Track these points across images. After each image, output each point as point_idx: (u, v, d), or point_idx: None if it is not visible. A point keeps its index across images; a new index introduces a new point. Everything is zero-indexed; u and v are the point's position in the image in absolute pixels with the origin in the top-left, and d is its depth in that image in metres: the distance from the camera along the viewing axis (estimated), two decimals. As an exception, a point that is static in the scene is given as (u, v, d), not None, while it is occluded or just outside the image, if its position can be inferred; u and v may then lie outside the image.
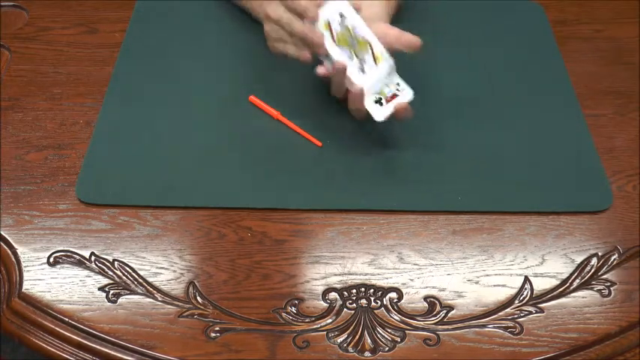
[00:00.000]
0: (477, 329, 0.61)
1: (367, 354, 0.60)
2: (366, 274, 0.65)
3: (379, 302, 0.63)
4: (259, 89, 0.78)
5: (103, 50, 0.85)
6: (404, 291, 0.64)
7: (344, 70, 0.69)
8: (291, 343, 0.60)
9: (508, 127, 0.77)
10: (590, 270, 0.66)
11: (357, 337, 0.61)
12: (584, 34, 0.89)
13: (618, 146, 0.76)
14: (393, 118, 0.70)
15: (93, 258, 0.65)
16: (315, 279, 0.64)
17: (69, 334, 0.61)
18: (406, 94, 0.71)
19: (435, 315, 0.62)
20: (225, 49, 0.84)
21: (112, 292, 0.63)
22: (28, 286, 0.64)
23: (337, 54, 0.70)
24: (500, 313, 0.62)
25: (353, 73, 0.70)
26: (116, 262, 0.65)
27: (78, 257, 0.66)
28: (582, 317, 0.62)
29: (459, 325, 0.62)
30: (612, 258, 0.67)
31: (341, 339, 0.61)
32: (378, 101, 0.70)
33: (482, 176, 0.72)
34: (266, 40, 0.74)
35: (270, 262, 0.65)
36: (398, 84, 0.71)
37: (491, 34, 0.87)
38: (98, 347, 0.60)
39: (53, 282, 0.64)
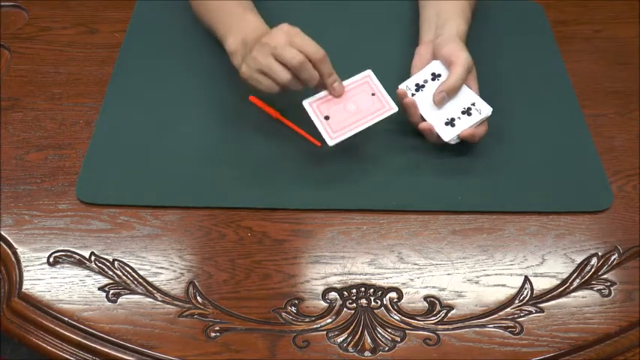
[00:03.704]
0: (477, 329, 0.61)
1: (367, 354, 0.60)
2: (366, 274, 0.65)
3: (379, 302, 0.63)
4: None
5: (103, 50, 0.85)
6: (404, 291, 0.64)
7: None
8: (291, 343, 0.60)
9: (508, 127, 0.77)
10: (590, 270, 0.66)
11: (357, 336, 0.61)
12: (584, 34, 0.89)
13: (618, 146, 0.76)
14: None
15: (93, 258, 0.65)
16: (315, 279, 0.64)
17: (69, 334, 0.61)
18: (484, 111, 0.71)
19: (435, 315, 0.62)
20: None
21: (111, 291, 0.63)
22: (28, 286, 0.64)
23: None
24: (500, 313, 0.62)
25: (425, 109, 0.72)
26: (116, 262, 0.65)
27: (78, 257, 0.66)
28: (582, 317, 0.62)
29: (459, 324, 0.62)
30: (612, 258, 0.67)
31: (341, 339, 0.61)
32: (450, 122, 0.71)
33: (483, 176, 0.72)
34: (241, 74, 0.72)
35: (270, 262, 0.65)
36: (473, 103, 0.71)
37: (492, 34, 0.87)
38: (98, 347, 0.60)
39: (53, 282, 0.64)
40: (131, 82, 0.81)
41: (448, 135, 0.71)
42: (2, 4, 0.91)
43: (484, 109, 0.71)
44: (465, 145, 0.73)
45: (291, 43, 0.67)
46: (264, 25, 0.75)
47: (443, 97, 0.71)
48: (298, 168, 0.72)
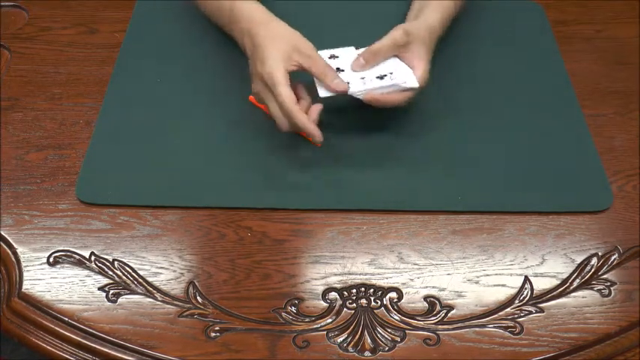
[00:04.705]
0: (477, 329, 0.61)
1: (367, 354, 0.60)
2: (366, 274, 0.65)
3: (379, 302, 0.63)
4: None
5: (103, 50, 0.85)
6: (404, 291, 0.64)
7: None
8: (291, 343, 0.60)
9: (508, 127, 0.77)
10: (590, 270, 0.66)
11: (357, 336, 0.61)
12: (584, 34, 0.89)
13: (618, 146, 0.76)
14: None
15: (93, 258, 0.65)
16: (315, 279, 0.64)
17: (69, 334, 0.61)
18: (397, 79, 0.71)
19: (435, 315, 0.62)
20: (226, 48, 0.83)
21: (111, 291, 0.63)
22: (28, 286, 0.64)
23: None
24: (500, 313, 0.62)
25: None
26: (116, 262, 0.65)
27: (78, 257, 0.66)
28: (582, 317, 0.62)
29: (459, 325, 0.62)
30: (612, 258, 0.67)
31: (341, 339, 0.61)
32: (362, 79, 0.71)
33: (483, 176, 0.72)
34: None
35: (270, 262, 0.65)
36: (392, 72, 0.71)
37: (491, 34, 0.87)
38: (98, 347, 0.60)
39: (53, 282, 0.64)
40: (131, 82, 0.81)
41: (355, 87, 0.71)
42: (2, 4, 0.91)
43: (399, 78, 0.71)
44: (464, 145, 0.73)
45: (273, 94, 0.68)
46: (261, 15, 0.75)
47: (359, 61, 0.72)
48: (298, 168, 0.72)
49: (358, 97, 0.71)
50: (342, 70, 0.72)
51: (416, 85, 0.71)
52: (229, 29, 0.80)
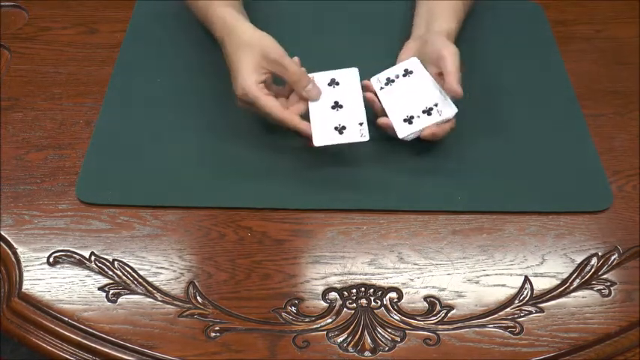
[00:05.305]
0: (477, 329, 0.61)
1: (367, 354, 0.60)
2: (366, 274, 0.65)
3: (379, 302, 0.63)
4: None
5: (103, 50, 0.85)
6: (404, 291, 0.64)
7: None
8: (291, 343, 0.60)
9: (508, 127, 0.77)
10: (590, 270, 0.66)
11: (357, 336, 0.61)
12: (584, 34, 0.89)
13: (618, 146, 0.76)
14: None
15: (93, 258, 0.65)
16: (315, 279, 0.64)
17: (69, 334, 0.61)
18: (444, 113, 0.70)
19: (435, 315, 0.62)
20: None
21: (111, 291, 0.63)
22: (28, 286, 0.64)
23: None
24: (500, 313, 0.62)
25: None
26: (116, 262, 0.65)
27: (78, 257, 0.66)
28: (582, 317, 0.62)
29: (459, 325, 0.62)
30: (612, 258, 0.67)
31: (341, 339, 0.61)
32: (408, 120, 0.70)
33: (482, 176, 0.72)
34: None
35: (270, 262, 0.65)
36: (436, 104, 0.71)
37: (491, 34, 0.87)
38: (98, 347, 0.60)
39: (53, 282, 0.64)
40: (131, 82, 0.81)
41: (403, 132, 0.70)
42: (2, 4, 0.91)
43: (445, 112, 0.70)
44: (464, 145, 0.73)
45: (257, 109, 0.69)
46: (230, 21, 0.74)
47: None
48: (298, 168, 0.72)
49: (411, 138, 0.70)
50: (341, 107, 0.71)
51: (456, 110, 0.70)
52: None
